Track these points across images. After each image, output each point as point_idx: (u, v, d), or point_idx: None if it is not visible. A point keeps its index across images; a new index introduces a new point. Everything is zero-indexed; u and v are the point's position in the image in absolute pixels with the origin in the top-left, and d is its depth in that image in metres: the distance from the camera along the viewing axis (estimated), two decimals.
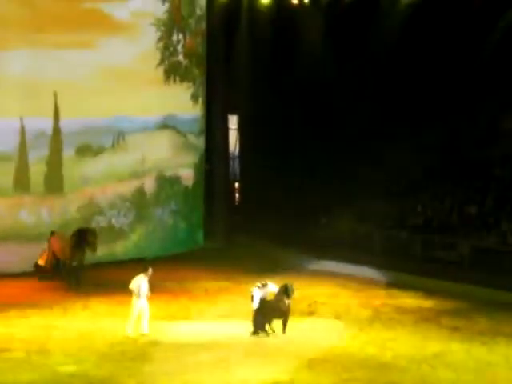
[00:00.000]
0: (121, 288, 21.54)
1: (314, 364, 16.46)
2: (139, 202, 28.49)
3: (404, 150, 26.99)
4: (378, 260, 25.90)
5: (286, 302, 18.56)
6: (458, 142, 28.41)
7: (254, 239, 29.52)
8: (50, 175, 26.50)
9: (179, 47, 29.40)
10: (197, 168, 30.43)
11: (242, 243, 29.88)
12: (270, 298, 18.74)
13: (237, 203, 34.27)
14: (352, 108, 29.88)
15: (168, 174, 29.30)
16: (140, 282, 18.22)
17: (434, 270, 24.75)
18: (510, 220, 25.93)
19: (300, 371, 16.04)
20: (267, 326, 18.47)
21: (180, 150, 29.77)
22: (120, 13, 27.57)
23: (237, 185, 34.62)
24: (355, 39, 30.01)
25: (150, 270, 18.41)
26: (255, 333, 18.37)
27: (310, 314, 20.66)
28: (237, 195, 34.51)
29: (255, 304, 18.45)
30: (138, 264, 24.40)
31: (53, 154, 26.52)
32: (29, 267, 24.68)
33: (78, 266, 23.66)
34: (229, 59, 31.58)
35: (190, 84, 29.79)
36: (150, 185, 28.77)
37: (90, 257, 23.77)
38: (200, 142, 30.63)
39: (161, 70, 28.79)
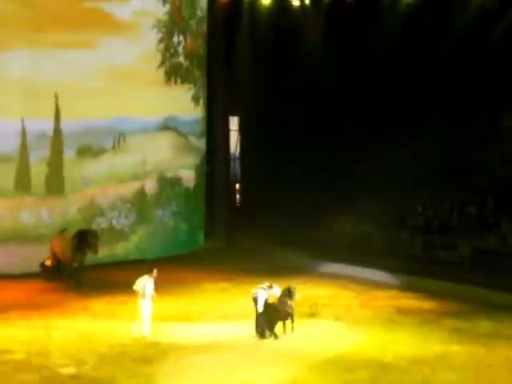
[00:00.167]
0: (121, 289, 21.60)
1: (315, 365, 16.46)
2: (140, 204, 28.48)
3: (404, 149, 26.95)
4: (379, 261, 25.89)
5: (289, 303, 18.57)
6: (458, 142, 28.38)
7: (255, 240, 29.50)
8: (51, 176, 26.49)
9: (180, 48, 29.38)
10: (198, 169, 30.42)
11: (243, 244, 29.87)
12: (272, 300, 18.72)
13: (238, 204, 34.26)
14: (353, 109, 29.87)
15: (169, 175, 29.29)
16: (144, 283, 18.22)
17: (435, 271, 24.74)
18: (510, 221, 25.92)
19: (301, 372, 16.04)
20: (274, 329, 18.46)
21: (181, 151, 29.75)
22: (121, 13, 27.53)
23: (238, 186, 34.62)
24: (356, 40, 30.00)
25: (155, 272, 18.42)
26: (262, 336, 18.30)
27: (311, 315, 20.63)
28: (238, 196, 34.51)
29: (260, 306, 18.37)
30: (138, 265, 24.55)
31: (53, 155, 26.51)
32: (29, 268, 24.68)
33: (78, 267, 23.66)
34: (230, 61, 31.58)
35: (191, 85, 29.77)
36: (150, 186, 28.75)
37: (90, 258, 23.75)
38: (201, 144, 30.63)
39: (162, 71, 28.77)
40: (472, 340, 18.62)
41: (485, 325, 20.00)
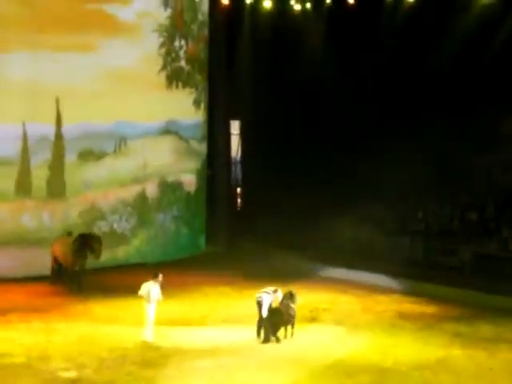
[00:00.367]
0: (122, 293, 21.62)
1: (315, 370, 16.44)
2: (141, 207, 28.49)
3: (404, 154, 26.97)
4: (380, 265, 25.88)
5: (293, 307, 18.58)
6: (458, 147, 28.39)
7: (256, 244, 29.52)
8: (52, 180, 26.50)
9: (181, 53, 29.41)
10: (199, 173, 30.43)
11: (244, 248, 29.88)
12: (275, 305, 18.69)
13: (239, 208, 34.28)
14: (354, 112, 29.88)
15: (170, 179, 29.30)
16: (149, 288, 18.22)
17: (436, 276, 24.74)
18: (511, 226, 25.91)
19: (302, 377, 16.02)
20: (277, 333, 18.44)
21: (182, 155, 29.77)
22: (123, 14, 27.51)
23: (239, 190, 34.63)
24: (356, 44, 30.03)
25: (161, 276, 18.42)
26: (266, 340, 18.28)
27: (312, 319, 20.62)
28: (239, 200, 34.52)
29: (264, 310, 18.33)
30: (139, 269, 24.58)
31: (55, 159, 26.52)
32: (30, 272, 24.68)
33: (79, 270, 23.66)
34: (231, 65, 31.62)
35: (193, 89, 29.80)
36: (151, 190, 28.76)
37: (91, 261, 23.77)
38: (202, 148, 30.65)
39: (163, 75, 28.79)
40: (473, 344, 18.61)
41: (486, 329, 19.99)
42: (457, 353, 17.90)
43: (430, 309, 22.26)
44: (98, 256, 23.55)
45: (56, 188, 26.54)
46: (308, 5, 31.56)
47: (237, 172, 34.49)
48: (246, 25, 31.80)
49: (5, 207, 25.58)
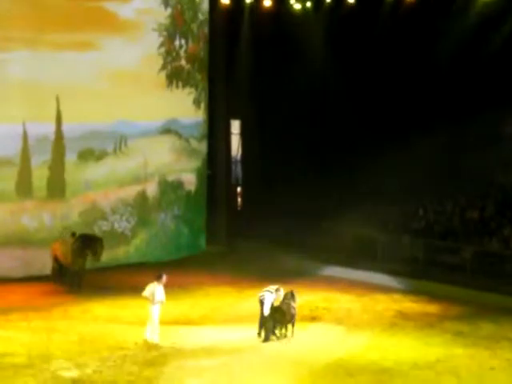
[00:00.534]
0: (123, 292, 21.61)
1: (316, 369, 16.43)
2: (141, 207, 28.46)
3: (405, 153, 26.96)
4: (380, 264, 25.87)
5: (294, 306, 18.58)
6: (459, 146, 28.38)
7: (257, 244, 29.47)
8: (53, 180, 26.47)
9: (182, 52, 29.37)
10: (199, 173, 30.40)
11: (245, 248, 29.83)
12: (277, 303, 18.69)
13: (239, 208, 34.24)
14: (355, 111, 29.87)
15: (170, 178, 29.28)
16: (153, 289, 18.18)
17: (437, 275, 24.72)
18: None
19: (302, 376, 16.02)
20: (278, 332, 18.43)
21: (182, 154, 29.73)
22: (124, 12, 27.48)
23: (239, 189, 34.60)
24: (357, 44, 30.01)
25: (164, 277, 18.37)
26: (266, 339, 18.27)
27: (312, 319, 20.61)
28: (239, 200, 34.48)
29: (266, 309, 18.33)
30: (140, 269, 24.58)
31: (55, 159, 26.50)
32: (31, 272, 24.69)
33: (79, 270, 23.65)
34: (231, 64, 31.58)
35: (193, 89, 29.76)
36: (152, 189, 28.73)
37: (92, 261, 23.78)
38: (202, 147, 30.61)
39: (163, 74, 28.76)
40: (474, 343, 18.60)
41: (487, 328, 19.98)
42: (458, 352, 17.88)
43: (430, 308, 22.23)
44: (98, 259, 23.59)
45: (56, 188, 26.52)
46: (308, 4, 31.53)
47: (237, 171, 34.43)
48: (246, 24, 31.74)
49: (5, 207, 25.55)
